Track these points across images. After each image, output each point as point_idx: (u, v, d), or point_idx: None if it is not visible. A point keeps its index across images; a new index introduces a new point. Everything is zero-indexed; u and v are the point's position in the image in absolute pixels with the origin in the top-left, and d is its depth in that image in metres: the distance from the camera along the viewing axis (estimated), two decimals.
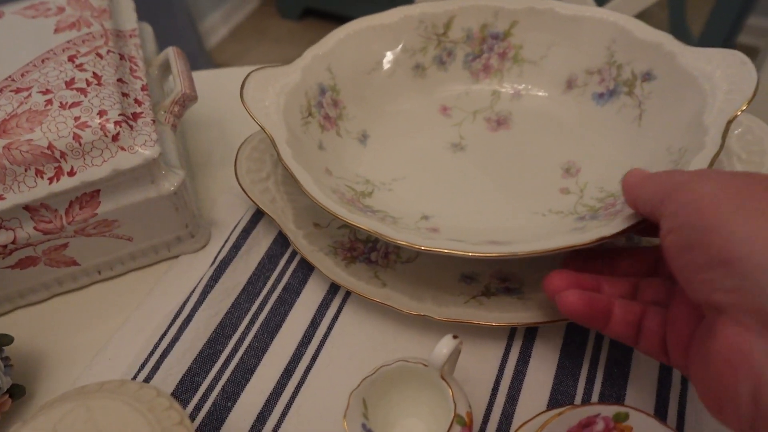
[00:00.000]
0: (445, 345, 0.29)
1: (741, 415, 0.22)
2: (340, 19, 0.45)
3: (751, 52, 1.53)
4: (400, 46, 0.46)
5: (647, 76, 0.41)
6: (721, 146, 0.32)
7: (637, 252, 0.33)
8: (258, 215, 0.44)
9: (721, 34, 1.35)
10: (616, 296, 0.31)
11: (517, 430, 0.31)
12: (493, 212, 0.40)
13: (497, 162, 0.44)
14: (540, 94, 0.46)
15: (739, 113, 0.34)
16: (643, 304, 0.30)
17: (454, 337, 0.30)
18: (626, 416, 0.29)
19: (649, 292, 0.31)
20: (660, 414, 0.33)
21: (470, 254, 0.31)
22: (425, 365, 0.31)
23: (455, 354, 0.31)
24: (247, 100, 0.39)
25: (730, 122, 0.33)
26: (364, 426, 0.29)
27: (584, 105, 0.44)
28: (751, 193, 0.23)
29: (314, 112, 0.42)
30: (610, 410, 0.29)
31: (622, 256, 0.33)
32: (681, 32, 1.35)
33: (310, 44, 0.44)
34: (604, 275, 0.33)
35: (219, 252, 0.42)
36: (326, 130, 0.43)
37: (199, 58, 1.67)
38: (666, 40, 0.39)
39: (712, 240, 0.23)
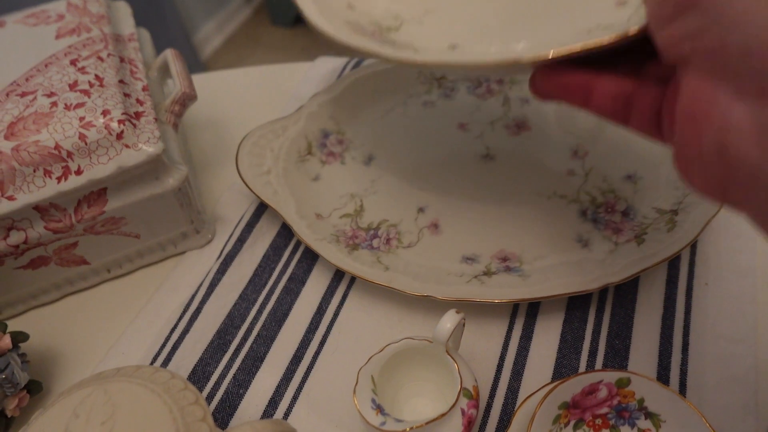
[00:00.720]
0: (448, 320, 0.30)
1: (710, 175, 0.20)
2: None
3: None
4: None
5: None
6: None
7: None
8: (261, 209, 0.45)
9: None
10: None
11: (523, 402, 0.32)
12: (532, 24, 0.35)
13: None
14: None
15: None
16: (637, 80, 0.25)
17: (457, 312, 0.31)
18: (628, 381, 0.30)
19: (651, 71, 0.26)
20: (662, 381, 0.34)
21: (481, 63, 0.26)
22: (431, 342, 0.32)
23: (459, 329, 0.32)
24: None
25: None
26: (373, 401, 0.30)
27: None
28: None
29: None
30: (612, 376, 0.30)
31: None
32: None
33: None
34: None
35: (224, 246, 0.43)
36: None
37: (194, 68, 1.68)
38: None
39: None
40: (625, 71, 0.26)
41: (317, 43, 1.88)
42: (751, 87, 0.18)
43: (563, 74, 0.26)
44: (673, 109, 0.23)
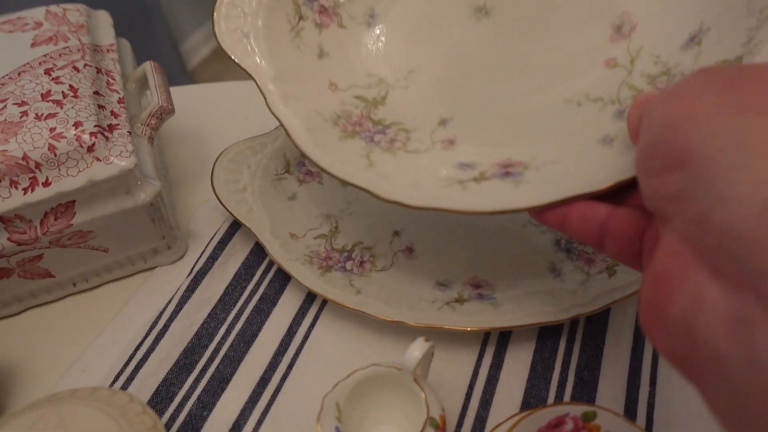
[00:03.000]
0: (417, 348, 0.30)
1: (673, 344, 0.19)
2: None
3: None
4: None
5: None
6: None
7: None
8: (235, 226, 0.45)
9: None
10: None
11: (492, 431, 0.32)
12: (520, 104, 0.35)
13: (530, 27, 0.36)
14: None
15: None
16: (613, 205, 0.25)
17: (426, 340, 0.30)
18: (594, 415, 0.29)
19: (632, 199, 0.26)
20: (629, 414, 0.34)
21: (461, 211, 0.27)
22: (399, 369, 0.31)
23: (427, 357, 0.31)
24: (220, 34, 0.34)
25: None
26: (337, 429, 0.29)
27: None
28: (738, 88, 0.18)
29: (305, 12, 0.37)
30: (578, 410, 0.29)
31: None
32: None
33: None
34: None
35: (195, 263, 0.43)
36: (325, 27, 0.37)
37: (181, 78, 1.67)
38: None
39: (674, 137, 0.19)
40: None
41: None
42: (730, 272, 0.16)
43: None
44: (655, 242, 0.22)
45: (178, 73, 1.66)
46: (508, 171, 0.30)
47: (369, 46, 0.38)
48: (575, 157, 0.29)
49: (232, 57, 0.34)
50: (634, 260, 0.25)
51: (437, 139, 0.34)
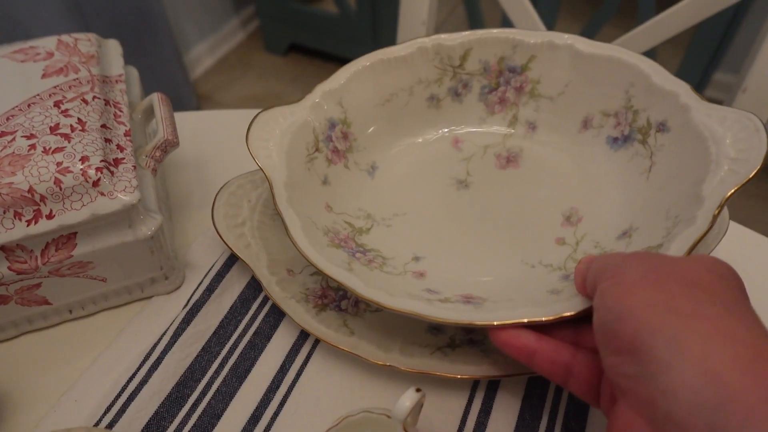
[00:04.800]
0: (408, 398, 0.30)
1: None
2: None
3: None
4: (415, 78, 0.47)
5: (661, 127, 0.40)
6: (711, 225, 0.32)
7: None
8: (233, 259, 0.45)
9: None
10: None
11: None
12: (484, 260, 0.41)
13: (499, 203, 0.44)
14: (554, 132, 0.46)
15: (737, 189, 0.32)
16: (576, 348, 0.31)
17: (417, 390, 0.31)
18: None
19: (588, 338, 0.31)
20: None
21: (430, 318, 0.33)
22: (389, 416, 0.32)
23: (418, 406, 0.32)
24: (251, 141, 0.40)
25: (726, 199, 0.32)
26: None
27: (598, 147, 0.44)
28: (665, 287, 0.24)
29: (322, 147, 0.43)
30: None
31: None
32: None
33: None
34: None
35: (192, 294, 0.43)
36: (333, 164, 0.44)
37: (183, 87, 1.68)
38: (683, 90, 0.39)
39: (622, 327, 0.24)
40: (567, 333, 0.32)
41: (308, 73, 1.90)
42: None
43: (509, 336, 0.32)
44: (611, 388, 0.28)
45: (181, 84, 1.67)
46: (469, 301, 0.36)
47: (365, 189, 0.45)
48: (527, 299, 0.36)
49: (255, 158, 0.40)
50: (593, 399, 0.30)
51: (409, 269, 0.40)
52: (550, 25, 0.72)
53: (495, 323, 0.32)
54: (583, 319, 0.32)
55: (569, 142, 0.46)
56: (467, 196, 0.45)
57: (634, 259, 0.27)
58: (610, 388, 0.28)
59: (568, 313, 0.31)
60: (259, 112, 0.42)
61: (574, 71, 0.45)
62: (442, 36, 0.46)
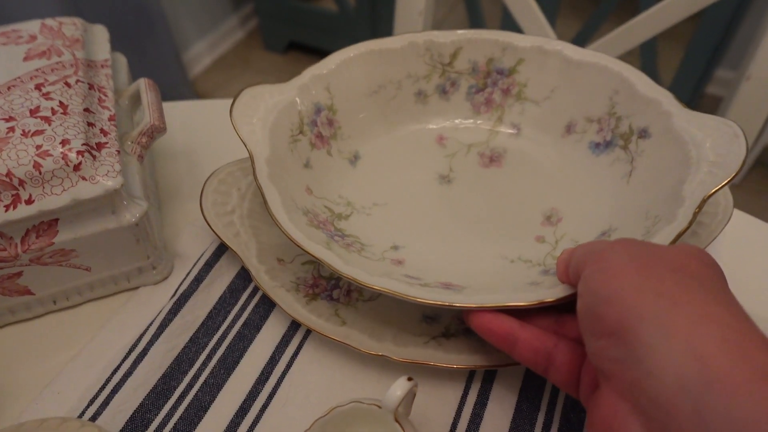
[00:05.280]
0: (399, 387, 0.29)
1: None
2: (324, 54, 0.46)
3: (718, 102, 1.59)
4: (404, 72, 0.46)
5: (643, 133, 0.41)
6: (691, 222, 0.32)
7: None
8: (222, 248, 0.44)
9: (690, 83, 1.41)
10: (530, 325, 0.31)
11: None
12: (463, 252, 0.41)
13: (481, 200, 0.44)
14: (538, 135, 0.46)
15: (716, 190, 0.33)
16: (557, 337, 0.31)
17: (409, 379, 0.30)
18: None
19: (569, 328, 0.31)
20: None
21: (409, 297, 0.32)
22: (379, 407, 0.30)
23: (410, 396, 0.31)
24: (235, 115, 0.40)
25: (705, 199, 0.33)
26: None
27: (580, 152, 0.44)
28: (653, 272, 0.24)
29: (306, 130, 0.43)
30: None
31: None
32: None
33: (292, 77, 0.44)
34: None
35: (180, 284, 0.42)
36: (317, 148, 0.43)
37: (182, 86, 1.67)
38: (665, 98, 0.40)
39: (608, 310, 0.24)
40: (548, 323, 0.32)
41: None
42: (658, 429, 0.21)
43: (490, 320, 0.31)
44: (591, 377, 0.28)
45: (179, 82, 1.66)
46: (449, 287, 0.36)
47: (346, 177, 0.45)
48: (507, 289, 0.35)
49: (237, 131, 0.39)
50: (572, 389, 0.29)
51: (388, 257, 0.39)
52: (550, 22, 0.71)
53: (475, 305, 0.31)
54: (564, 309, 0.32)
55: (552, 145, 0.46)
56: (449, 191, 0.45)
57: (619, 245, 0.27)
58: (591, 376, 0.28)
59: (549, 299, 0.31)
60: (245, 88, 0.41)
61: (561, 77, 0.45)
62: (434, 33, 0.47)
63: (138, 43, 1.50)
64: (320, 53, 1.90)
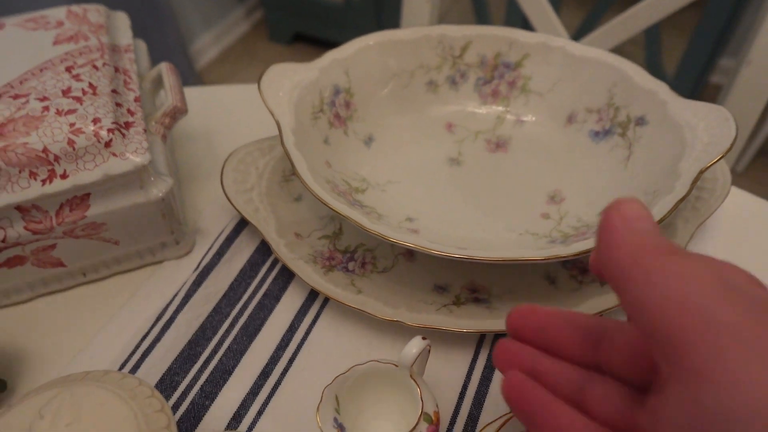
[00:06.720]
0: (414, 345, 0.31)
1: None
2: (329, 45, 0.48)
3: (721, 91, 1.59)
4: (417, 62, 0.49)
5: (640, 121, 0.43)
6: (689, 191, 0.34)
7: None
8: (241, 225, 0.46)
9: (693, 73, 1.42)
10: (558, 386, 0.23)
11: (482, 430, 0.33)
12: (473, 224, 0.43)
13: (488, 181, 0.46)
14: (541, 124, 0.49)
15: (711, 164, 0.36)
16: (590, 418, 0.22)
17: (423, 338, 0.32)
18: None
19: (598, 396, 0.22)
20: None
21: (434, 252, 0.34)
22: (396, 366, 0.32)
23: (424, 355, 0.33)
24: (263, 88, 0.42)
25: (702, 171, 0.35)
26: (335, 420, 0.30)
27: (580, 140, 0.47)
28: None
29: (326, 109, 0.45)
30: None
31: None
32: (656, 71, 1.41)
33: None
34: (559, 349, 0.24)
35: (202, 258, 0.44)
36: (334, 127, 0.46)
37: (189, 78, 1.69)
38: (661, 89, 0.42)
39: (686, 328, 0.17)
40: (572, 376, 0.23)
41: None
42: None
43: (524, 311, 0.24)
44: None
45: (186, 74, 1.68)
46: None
47: (361, 156, 0.47)
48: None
49: (265, 101, 0.42)
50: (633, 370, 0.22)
51: (403, 227, 0.42)
52: (555, 9, 0.72)
53: (494, 258, 0.33)
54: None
55: (554, 134, 0.48)
56: (458, 172, 0.47)
57: (692, 264, 0.18)
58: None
59: (563, 254, 0.33)
60: (271, 66, 0.44)
61: (563, 71, 0.48)
62: (447, 27, 0.49)
63: (145, 34, 1.52)
64: (325, 44, 1.91)
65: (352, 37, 0.48)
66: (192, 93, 0.58)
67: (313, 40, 1.93)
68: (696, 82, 1.43)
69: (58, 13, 0.44)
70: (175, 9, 1.63)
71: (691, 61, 1.40)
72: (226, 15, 1.95)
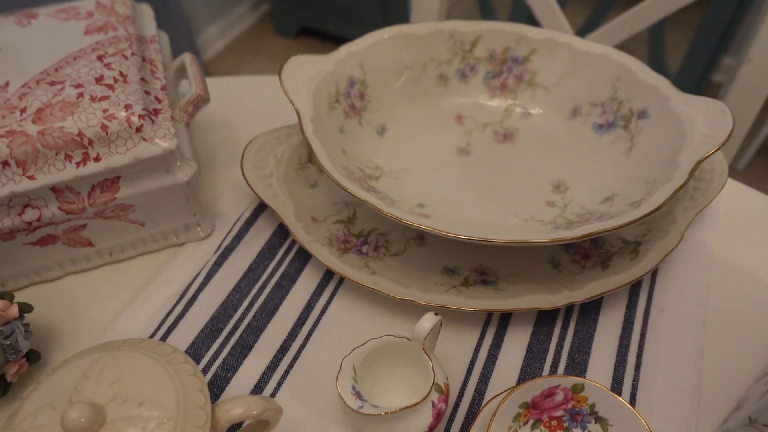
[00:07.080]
0: (427, 320, 0.33)
1: None
2: (335, 39, 0.51)
3: (722, 89, 1.60)
4: (429, 56, 0.51)
5: (642, 114, 0.45)
6: (687, 180, 0.37)
7: None
8: (259, 209, 0.48)
9: (696, 71, 1.44)
10: None
11: (488, 401, 0.35)
12: (481, 210, 0.45)
13: (496, 170, 0.49)
14: (547, 117, 0.51)
15: (708, 155, 0.38)
16: None
17: (435, 314, 0.34)
18: (582, 387, 0.33)
19: None
20: (615, 392, 0.37)
21: (446, 234, 0.36)
22: (409, 340, 0.35)
23: (436, 330, 0.35)
24: (284, 78, 0.44)
25: (699, 162, 0.38)
26: (353, 387, 0.32)
27: (584, 133, 0.49)
28: None
29: (341, 99, 0.48)
30: (568, 382, 0.33)
31: None
32: (659, 68, 1.43)
33: None
34: None
35: (223, 240, 0.46)
36: (349, 117, 0.48)
37: None
38: (663, 84, 0.44)
39: None
40: None
41: None
42: None
43: None
44: None
45: None
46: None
47: (374, 145, 0.49)
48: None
49: (286, 91, 0.44)
50: None
51: (415, 212, 0.44)
52: (561, 6, 0.74)
53: (504, 240, 0.35)
54: None
55: (560, 126, 0.50)
56: (467, 161, 0.50)
57: None
58: None
59: (568, 237, 0.35)
60: (291, 58, 0.46)
61: (569, 66, 0.50)
62: (458, 22, 0.51)
63: None
64: (331, 38, 1.93)
65: (358, 30, 0.50)
66: (211, 84, 0.60)
67: (319, 34, 1.95)
68: (699, 80, 1.44)
69: (88, 4, 0.46)
70: (183, 1, 1.65)
71: (694, 59, 1.42)
72: (232, 8, 1.97)
